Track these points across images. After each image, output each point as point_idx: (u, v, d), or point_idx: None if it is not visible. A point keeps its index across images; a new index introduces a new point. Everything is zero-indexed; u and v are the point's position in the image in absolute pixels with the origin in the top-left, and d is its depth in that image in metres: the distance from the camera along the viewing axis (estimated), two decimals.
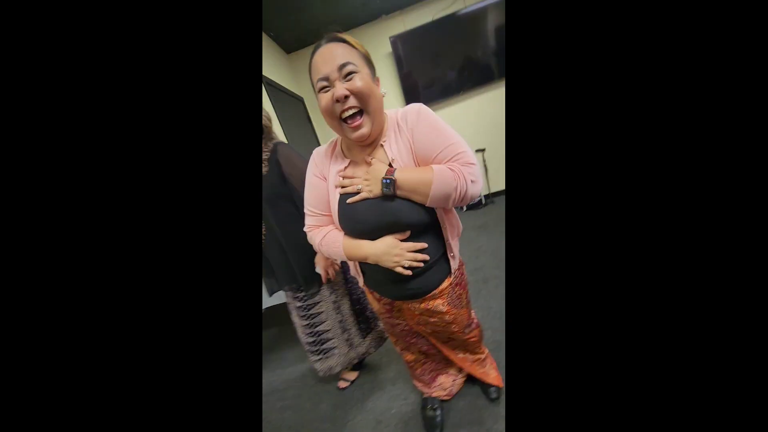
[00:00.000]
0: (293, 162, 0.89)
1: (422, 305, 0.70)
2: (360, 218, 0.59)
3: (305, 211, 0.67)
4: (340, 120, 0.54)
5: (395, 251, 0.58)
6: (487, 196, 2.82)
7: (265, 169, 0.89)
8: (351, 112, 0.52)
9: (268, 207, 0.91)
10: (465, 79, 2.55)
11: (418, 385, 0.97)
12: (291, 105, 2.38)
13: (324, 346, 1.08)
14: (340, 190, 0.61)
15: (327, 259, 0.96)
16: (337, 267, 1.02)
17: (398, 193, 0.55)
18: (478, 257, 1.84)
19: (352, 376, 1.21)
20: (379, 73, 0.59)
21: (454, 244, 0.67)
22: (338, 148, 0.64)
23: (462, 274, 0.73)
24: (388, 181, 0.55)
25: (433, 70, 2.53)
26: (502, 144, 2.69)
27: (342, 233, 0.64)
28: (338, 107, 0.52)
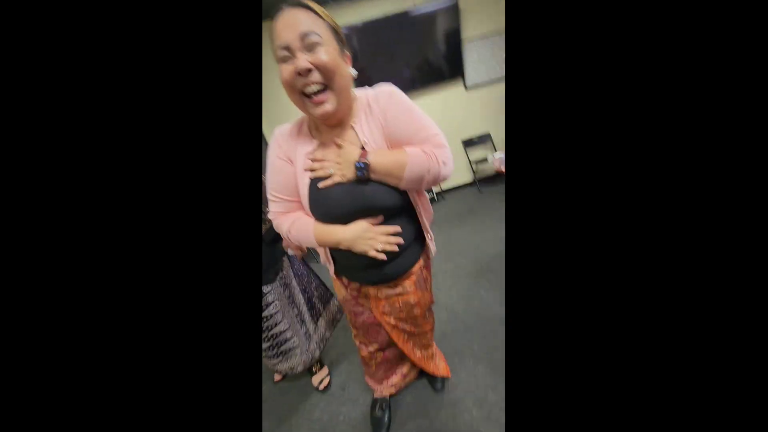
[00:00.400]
0: None
1: (390, 289, 0.71)
2: (333, 203, 0.56)
3: (269, 196, 0.62)
4: (301, 95, 0.50)
5: (368, 235, 0.57)
6: (438, 194, 2.97)
7: None
8: (314, 88, 0.48)
9: None
10: (418, 78, 2.60)
11: (370, 382, 1.02)
12: None
13: (283, 348, 1.06)
14: (309, 174, 0.57)
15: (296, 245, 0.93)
16: (304, 249, 1.02)
17: (372, 176, 0.54)
18: None
19: (324, 372, 1.21)
20: None
21: (430, 227, 0.68)
22: (305, 128, 0.60)
23: (428, 259, 0.76)
24: (362, 165, 0.53)
25: (388, 66, 2.52)
26: (453, 143, 2.84)
27: (312, 219, 0.60)
28: (300, 81, 0.48)
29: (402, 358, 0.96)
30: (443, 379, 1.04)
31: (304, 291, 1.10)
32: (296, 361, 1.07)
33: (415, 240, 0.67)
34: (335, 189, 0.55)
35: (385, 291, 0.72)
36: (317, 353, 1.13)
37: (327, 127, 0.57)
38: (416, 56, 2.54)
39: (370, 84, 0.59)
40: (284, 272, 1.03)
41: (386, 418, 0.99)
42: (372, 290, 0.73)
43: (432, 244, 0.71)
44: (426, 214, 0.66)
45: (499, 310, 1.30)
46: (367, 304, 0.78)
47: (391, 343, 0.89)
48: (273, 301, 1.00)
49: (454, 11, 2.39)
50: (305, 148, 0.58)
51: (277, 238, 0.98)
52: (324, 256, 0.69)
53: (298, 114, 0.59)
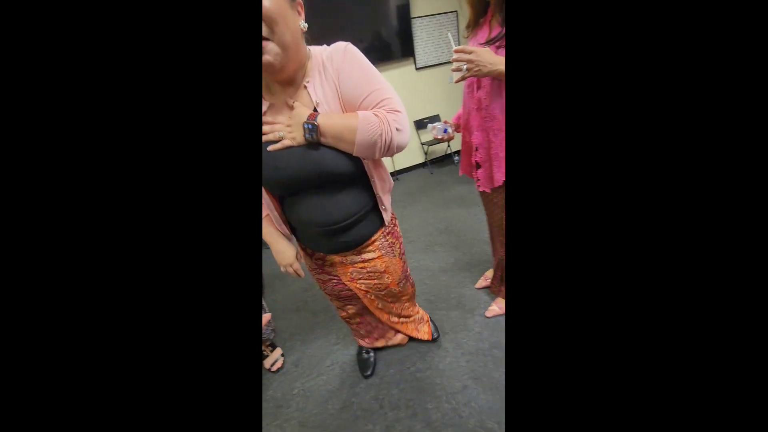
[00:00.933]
0: None
1: (356, 256, 0.72)
2: (281, 166, 0.54)
3: None
4: None
5: (289, 263, 0.70)
6: (392, 174, 3.02)
7: None
8: None
9: None
10: (372, 55, 2.52)
11: (355, 336, 1.06)
12: None
13: None
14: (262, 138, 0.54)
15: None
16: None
17: (322, 140, 0.52)
18: None
19: (277, 354, 1.21)
20: None
21: (386, 199, 0.67)
22: None
23: (395, 226, 0.76)
24: (310, 126, 0.50)
25: (339, 39, 2.39)
26: None
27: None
28: None
29: (384, 326, 1.00)
30: (436, 329, 1.13)
31: None
32: None
33: (373, 209, 0.67)
34: (284, 153, 0.53)
35: (350, 257, 0.72)
36: (265, 335, 1.12)
37: (279, 87, 0.53)
38: (368, 31, 2.44)
39: None
40: None
41: (372, 359, 1.07)
42: (337, 258, 0.73)
43: (385, 215, 0.69)
44: (381, 183, 0.64)
45: (443, 276, 1.46)
46: (334, 272, 0.77)
47: (367, 310, 0.91)
48: None
49: None
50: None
51: None
52: (279, 224, 0.68)
53: None
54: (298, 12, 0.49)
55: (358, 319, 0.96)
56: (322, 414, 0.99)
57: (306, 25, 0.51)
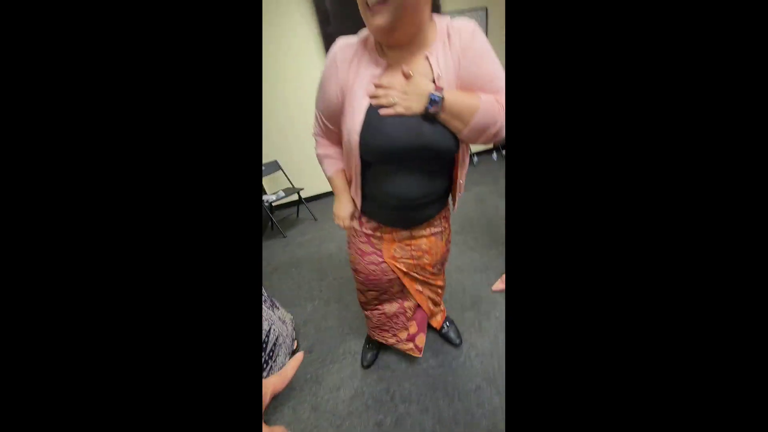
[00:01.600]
0: None
1: (406, 232, 0.73)
2: (387, 137, 0.52)
3: (315, 112, 0.63)
4: (365, 5, 0.45)
5: (344, 217, 0.73)
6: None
7: None
8: (374, 0, 0.43)
9: None
10: None
11: (368, 325, 1.03)
12: None
13: (269, 348, 0.99)
14: (372, 101, 0.52)
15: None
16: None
17: (441, 115, 0.50)
18: None
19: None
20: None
21: (463, 183, 0.69)
22: (370, 44, 0.54)
23: (449, 210, 0.78)
24: (436, 98, 0.48)
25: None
26: None
27: (337, 167, 0.69)
28: None
29: (399, 321, 0.95)
30: (458, 335, 1.12)
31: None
32: (283, 354, 1.02)
33: (445, 192, 0.69)
34: (393, 122, 0.51)
35: (401, 233, 0.73)
36: (294, 334, 1.13)
37: (392, 50, 0.51)
38: None
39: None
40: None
41: (374, 355, 1.10)
42: (387, 233, 0.74)
43: (458, 199, 0.72)
44: (463, 169, 0.65)
45: (458, 275, 1.45)
46: (378, 245, 0.77)
47: (389, 298, 0.90)
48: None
49: None
50: (370, 71, 0.52)
51: None
52: (354, 191, 0.68)
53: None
54: None
55: (375, 303, 0.93)
56: (333, 400, 1.01)
57: None
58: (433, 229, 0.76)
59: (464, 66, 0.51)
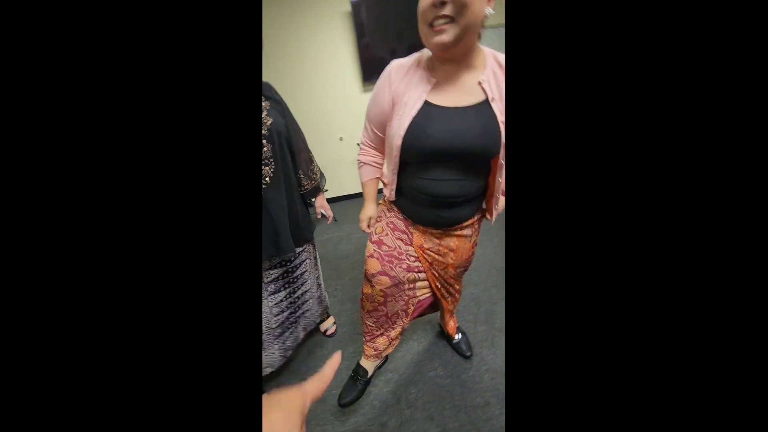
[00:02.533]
0: (292, 117, 0.89)
1: (437, 230, 0.75)
2: (432, 137, 0.58)
3: (365, 122, 0.72)
4: (428, 25, 0.51)
5: (364, 219, 0.80)
6: None
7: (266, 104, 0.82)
8: (441, 21, 0.50)
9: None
10: None
11: (364, 332, 0.99)
12: None
13: (299, 312, 1.05)
14: (416, 108, 0.59)
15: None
16: (331, 214, 1.03)
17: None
18: None
19: (330, 321, 1.28)
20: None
21: (503, 188, 0.71)
22: (423, 63, 0.61)
23: (482, 216, 0.80)
24: None
25: (395, 44, 2.47)
26: None
27: (373, 172, 0.77)
28: (431, 13, 0.50)
29: (395, 321, 0.93)
30: (470, 347, 1.11)
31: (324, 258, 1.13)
32: (299, 329, 1.07)
33: (480, 195, 0.72)
34: (438, 125, 0.58)
35: (431, 230, 0.76)
36: (318, 320, 1.18)
37: (444, 69, 0.58)
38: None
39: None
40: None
41: (360, 389, 0.98)
42: (418, 229, 0.77)
43: (499, 205, 0.73)
44: (503, 173, 0.66)
45: (473, 288, 1.43)
46: (412, 228, 0.78)
47: (398, 293, 0.87)
48: (305, 260, 1.00)
49: None
50: (422, 86, 0.59)
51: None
52: (389, 190, 0.74)
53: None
54: (489, 1, 0.52)
55: (379, 299, 0.88)
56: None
57: (492, 11, 0.53)
58: (464, 231, 0.77)
59: None
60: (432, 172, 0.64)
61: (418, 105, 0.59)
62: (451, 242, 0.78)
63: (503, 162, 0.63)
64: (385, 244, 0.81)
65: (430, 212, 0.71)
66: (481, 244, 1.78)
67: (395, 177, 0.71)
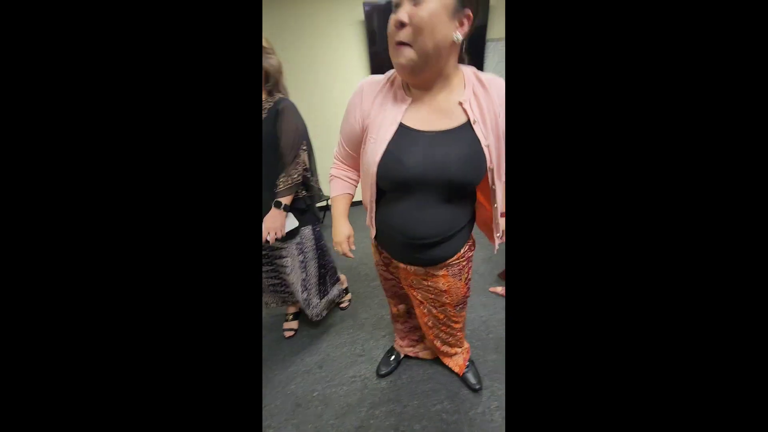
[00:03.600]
0: (288, 119, 0.90)
1: (420, 269, 0.70)
2: (406, 165, 0.54)
3: (339, 136, 0.68)
4: (393, 46, 0.49)
5: (340, 242, 0.72)
6: None
7: (264, 114, 0.88)
8: (402, 40, 0.47)
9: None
10: None
11: (396, 334, 1.07)
12: None
13: (287, 291, 1.17)
14: (390, 132, 0.55)
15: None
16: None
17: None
18: None
19: (294, 324, 1.33)
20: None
21: (502, 222, 0.65)
22: (398, 82, 0.58)
23: (471, 251, 0.73)
24: None
25: None
26: None
27: (344, 188, 0.71)
28: (394, 32, 0.48)
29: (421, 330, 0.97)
30: (479, 379, 1.02)
31: (321, 266, 1.17)
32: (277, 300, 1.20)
33: (464, 228, 0.64)
34: (413, 153, 0.53)
35: (414, 268, 0.70)
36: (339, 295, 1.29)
37: (419, 90, 0.54)
38: None
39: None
40: (302, 240, 1.06)
41: (394, 365, 1.09)
42: (401, 265, 0.71)
43: (496, 242, 0.68)
44: (502, 202, 0.61)
45: (482, 311, 1.35)
46: (396, 273, 0.77)
47: (411, 312, 0.93)
48: (285, 256, 1.05)
49: (484, 5, 2.32)
50: (397, 106, 0.55)
51: (303, 210, 1.03)
52: (369, 218, 0.69)
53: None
54: (460, 23, 0.48)
55: (406, 317, 0.97)
56: (338, 427, 0.96)
57: (460, 38, 0.49)
58: (450, 270, 0.70)
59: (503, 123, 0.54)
60: (408, 206, 0.59)
61: (393, 129, 0.54)
62: (440, 284, 0.72)
63: (494, 188, 0.58)
64: (384, 278, 0.83)
65: (407, 251, 0.66)
66: (489, 261, 1.71)
67: (374, 206, 0.65)
